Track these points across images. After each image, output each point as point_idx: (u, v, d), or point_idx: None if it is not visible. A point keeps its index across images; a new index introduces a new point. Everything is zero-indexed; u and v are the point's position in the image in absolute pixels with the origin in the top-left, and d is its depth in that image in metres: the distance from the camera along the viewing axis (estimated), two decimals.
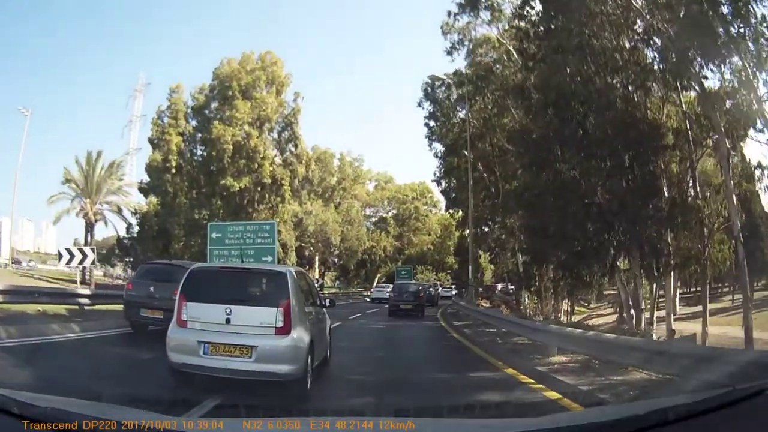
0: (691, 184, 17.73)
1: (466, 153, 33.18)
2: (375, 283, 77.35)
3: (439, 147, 36.85)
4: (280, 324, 7.04)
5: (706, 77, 17.12)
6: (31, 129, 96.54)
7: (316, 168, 67.96)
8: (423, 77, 33.73)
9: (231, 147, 40.76)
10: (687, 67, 15.95)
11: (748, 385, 2.35)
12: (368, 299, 47.44)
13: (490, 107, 27.91)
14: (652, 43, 17.18)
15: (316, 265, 69.36)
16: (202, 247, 37.54)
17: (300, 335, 7.28)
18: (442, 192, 50.78)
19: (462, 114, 31.43)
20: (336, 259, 73.56)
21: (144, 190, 50.08)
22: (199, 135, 46.18)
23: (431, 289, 41.51)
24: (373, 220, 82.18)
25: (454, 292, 57.02)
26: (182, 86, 47.52)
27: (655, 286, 20.54)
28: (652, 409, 2.36)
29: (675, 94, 17.27)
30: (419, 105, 31.97)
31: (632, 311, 19.99)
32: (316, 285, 11.73)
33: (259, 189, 42.03)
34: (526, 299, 31.56)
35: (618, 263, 15.97)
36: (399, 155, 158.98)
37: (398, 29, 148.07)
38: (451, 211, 50.40)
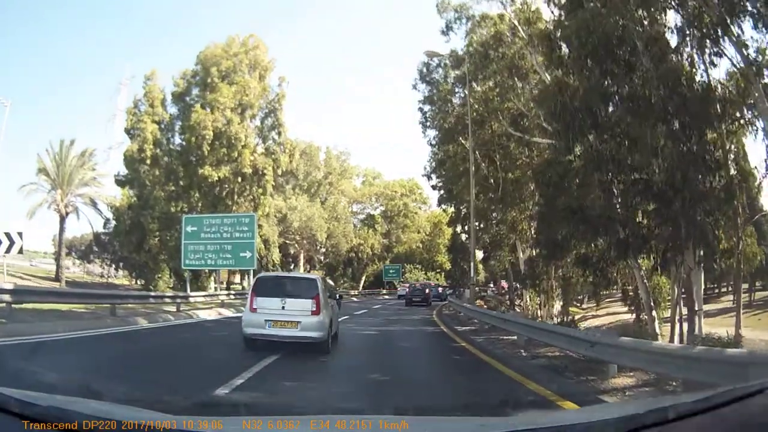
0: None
1: (463, 141, 30.69)
2: (362, 283, 74.99)
3: (433, 134, 34.33)
4: (314, 309, 11.19)
5: (746, 45, 14.86)
6: (14, 122, 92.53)
7: (301, 161, 65.28)
8: (415, 72, 30.96)
9: (211, 133, 37.75)
10: (726, 29, 13.55)
11: (748, 384, 2.25)
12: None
13: (492, 87, 25.39)
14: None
15: (301, 263, 66.49)
16: (179, 242, 34.78)
17: (325, 316, 11.42)
18: (433, 187, 48.54)
19: (460, 98, 28.91)
20: (322, 257, 70.70)
21: (121, 182, 47.07)
22: (179, 124, 43.27)
23: (440, 288, 54.00)
24: (361, 217, 79.54)
25: (448, 292, 55.29)
26: (157, 73, 44.55)
27: (676, 283, 18.39)
28: (652, 408, 2.32)
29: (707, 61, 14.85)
30: (414, 87, 29.37)
31: (653, 312, 17.77)
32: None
33: (239, 180, 38.91)
34: (528, 299, 29.11)
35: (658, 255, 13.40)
36: (388, 153, 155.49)
37: (391, 25, 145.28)
38: (443, 207, 47.83)
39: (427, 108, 32.03)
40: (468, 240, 50.38)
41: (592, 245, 15.67)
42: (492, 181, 29.79)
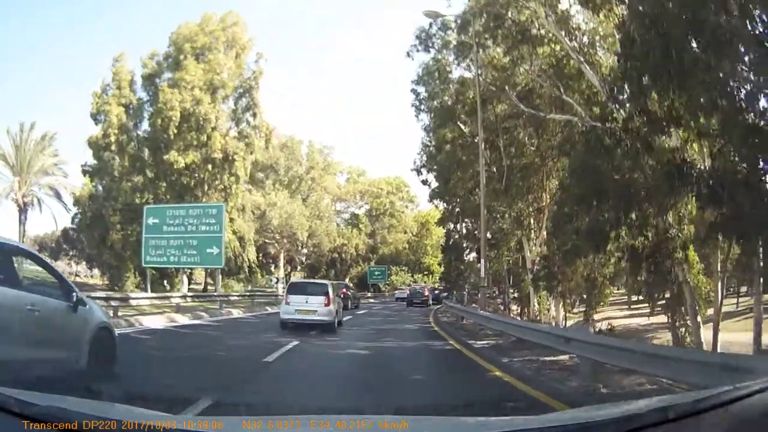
0: None
1: (461, 124, 27.13)
2: (346, 280, 71.06)
3: (427, 119, 30.69)
4: (326, 302, 17.14)
5: None
6: None
7: (281, 155, 61.47)
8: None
9: (178, 114, 33.63)
10: None
11: (748, 384, 2.26)
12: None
13: (500, 55, 21.80)
14: None
15: (281, 264, 62.33)
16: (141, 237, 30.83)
17: (333, 306, 17.60)
18: (423, 182, 45.12)
19: (461, 73, 25.32)
20: (304, 258, 66.61)
21: (88, 172, 43.07)
22: (149, 109, 39.18)
23: (436, 291, 55.47)
24: (345, 216, 75.57)
25: (443, 295, 52.85)
26: (126, 54, 40.67)
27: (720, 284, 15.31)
28: (652, 408, 2.33)
29: None
30: (408, 55, 25.35)
31: (698, 318, 14.61)
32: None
33: (209, 167, 34.71)
34: (536, 304, 25.56)
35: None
36: (373, 151, 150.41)
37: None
38: (435, 203, 44.37)
39: (421, 89, 28.40)
40: (462, 239, 46.98)
41: (645, 233, 12.20)
42: (495, 170, 26.28)
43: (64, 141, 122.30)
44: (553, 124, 23.29)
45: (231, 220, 35.32)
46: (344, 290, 31.26)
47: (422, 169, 45.28)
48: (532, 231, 25.26)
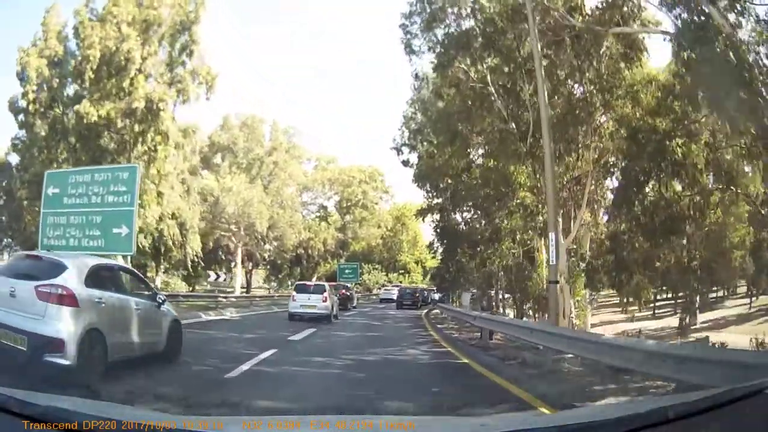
0: None
1: (463, 67, 20.24)
2: (313, 279, 63.54)
3: (422, 64, 23.67)
4: (324, 299, 22.64)
5: None
6: None
7: (240, 134, 53.88)
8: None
9: (98, 54, 25.64)
10: None
11: (748, 384, 2.23)
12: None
13: None
14: None
15: (239, 260, 54.14)
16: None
17: (329, 302, 23.20)
18: (404, 163, 38.75)
19: None
20: (266, 254, 58.67)
21: (16, 146, 35.34)
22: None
23: (425, 293, 53.10)
24: (312, 208, 68.00)
25: (435, 296, 47.19)
26: (59, 5, 32.66)
27: None
28: (652, 407, 2.29)
29: None
30: None
31: None
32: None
33: (134, 125, 26.42)
34: (573, 308, 18.65)
35: None
36: (344, 140, 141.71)
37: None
38: (419, 186, 37.86)
39: (415, 21, 21.39)
40: (454, 229, 39.82)
41: None
42: (514, 126, 19.39)
43: None
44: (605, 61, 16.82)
45: (159, 194, 27.55)
46: (343, 291, 35.24)
47: (403, 148, 38.91)
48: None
